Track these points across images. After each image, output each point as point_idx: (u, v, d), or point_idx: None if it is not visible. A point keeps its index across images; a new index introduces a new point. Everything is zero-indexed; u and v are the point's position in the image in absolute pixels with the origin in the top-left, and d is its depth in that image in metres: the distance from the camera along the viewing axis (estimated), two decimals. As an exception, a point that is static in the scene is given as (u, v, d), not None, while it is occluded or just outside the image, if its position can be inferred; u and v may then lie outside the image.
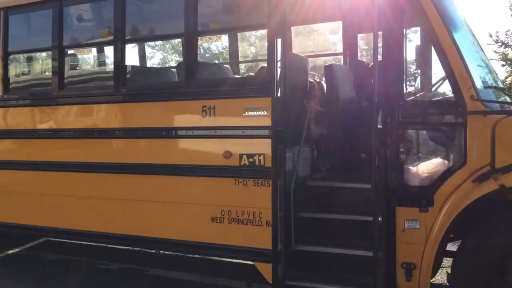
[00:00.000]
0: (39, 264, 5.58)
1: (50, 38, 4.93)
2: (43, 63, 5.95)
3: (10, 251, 6.00)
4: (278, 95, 3.85)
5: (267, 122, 3.81)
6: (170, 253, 5.66)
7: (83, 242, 5.79)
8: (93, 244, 5.81)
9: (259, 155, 3.91)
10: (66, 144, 4.90)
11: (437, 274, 4.36)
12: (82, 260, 5.66)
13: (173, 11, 4.67)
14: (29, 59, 5.97)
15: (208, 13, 4.61)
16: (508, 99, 4.12)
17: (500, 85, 4.44)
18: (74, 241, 5.82)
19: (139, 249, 5.77)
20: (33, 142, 5.09)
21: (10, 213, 5.26)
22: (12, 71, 5.52)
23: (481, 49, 4.40)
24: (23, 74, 5.82)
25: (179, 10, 4.26)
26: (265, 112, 3.84)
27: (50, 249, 6.10)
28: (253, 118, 3.91)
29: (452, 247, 4.09)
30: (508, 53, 19.66)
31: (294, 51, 6.14)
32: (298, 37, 7.59)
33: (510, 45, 19.78)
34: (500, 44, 19.74)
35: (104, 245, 5.77)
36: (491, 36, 19.87)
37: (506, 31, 19.93)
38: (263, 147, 3.87)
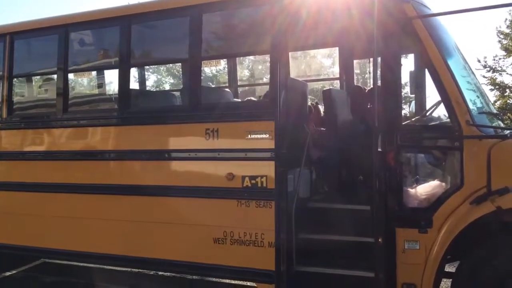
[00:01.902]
0: (37, 286, 5.53)
1: (55, 62, 5.03)
2: (46, 86, 6.03)
3: (7, 273, 5.94)
4: (280, 118, 3.95)
5: (270, 144, 3.92)
6: (169, 274, 5.65)
7: (81, 264, 5.77)
8: (92, 265, 5.79)
9: (262, 177, 3.99)
10: (69, 166, 4.94)
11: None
12: (80, 282, 5.63)
13: (178, 37, 4.80)
14: (33, 82, 6.06)
15: (211, 39, 4.75)
16: (501, 124, 4.27)
17: (492, 109, 4.60)
18: (72, 263, 5.80)
19: (138, 270, 5.76)
20: (35, 163, 5.13)
21: (7, 234, 5.25)
22: (16, 93, 5.59)
23: (473, 73, 4.57)
24: (26, 96, 5.89)
25: (184, 36, 4.40)
26: (268, 135, 3.94)
27: (48, 271, 6.06)
28: (256, 141, 4.01)
29: (449, 268, 4.16)
30: (496, 78, 20.16)
31: (291, 75, 6.29)
32: (295, 62, 7.78)
33: (498, 70, 20.29)
34: (488, 69, 20.26)
35: (103, 266, 5.75)
36: (479, 61, 20.44)
37: (493, 57, 20.51)
38: (265, 169, 3.96)
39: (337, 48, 6.48)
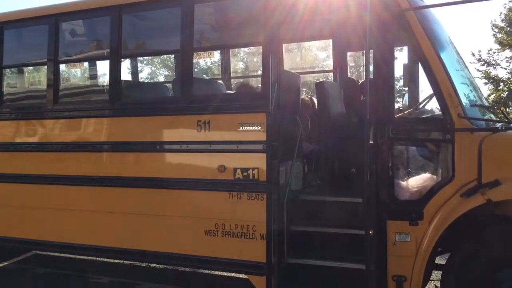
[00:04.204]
0: (29, 278, 5.52)
1: (46, 53, 4.97)
2: (37, 77, 5.98)
3: (-1, 265, 5.94)
4: (272, 110, 3.93)
5: (262, 137, 3.90)
6: (161, 266, 5.65)
7: (73, 256, 5.75)
8: (83, 257, 5.78)
9: (253, 169, 3.98)
10: (59, 157, 4.91)
11: (426, 287, 4.44)
12: (72, 274, 5.62)
13: (170, 28, 4.76)
14: (23, 73, 6.00)
15: (203, 30, 4.71)
16: (493, 117, 4.27)
17: (485, 102, 4.60)
18: (64, 255, 5.79)
19: (130, 262, 5.75)
20: (25, 155, 5.09)
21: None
22: (7, 84, 5.53)
23: (466, 67, 4.57)
24: (17, 87, 5.83)
25: (176, 26, 4.36)
26: (260, 127, 3.93)
27: (39, 263, 6.04)
28: (248, 133, 3.99)
29: (440, 260, 4.18)
30: (491, 72, 20.22)
31: (284, 67, 6.27)
32: (289, 54, 7.75)
33: (492, 64, 20.35)
34: (483, 63, 20.32)
35: (95, 258, 5.75)
36: (473, 55, 20.52)
37: (488, 50, 20.56)
38: (257, 161, 3.94)
39: (330, 40, 6.44)
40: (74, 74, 6.02)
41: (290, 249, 4.05)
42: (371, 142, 3.60)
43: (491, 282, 3.39)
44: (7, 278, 5.50)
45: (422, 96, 4.66)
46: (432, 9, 4.10)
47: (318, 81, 5.72)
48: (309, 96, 6.12)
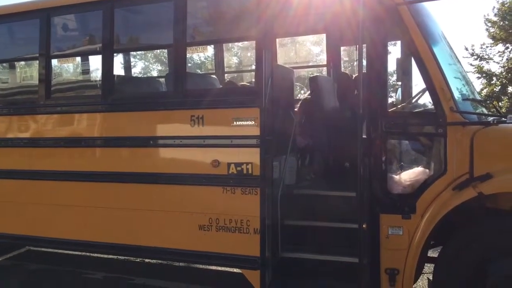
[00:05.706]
0: (22, 274, 5.50)
1: (37, 48, 4.92)
2: (29, 72, 5.93)
3: (-9, 261, 5.91)
4: (266, 105, 3.94)
5: (256, 131, 3.90)
6: (155, 261, 5.66)
7: (67, 251, 5.74)
8: (77, 253, 5.77)
9: (247, 164, 3.98)
10: (52, 153, 4.88)
11: (419, 280, 4.48)
12: (66, 269, 5.61)
13: (163, 22, 4.73)
14: (15, 68, 5.94)
15: (196, 24, 4.69)
16: (485, 111, 4.29)
17: (477, 97, 4.62)
18: (57, 250, 5.78)
19: (123, 257, 5.75)
20: (18, 150, 5.06)
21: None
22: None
23: (459, 61, 4.59)
24: (9, 82, 5.78)
25: (168, 21, 4.33)
26: (253, 122, 3.92)
27: (33, 259, 6.02)
28: (241, 127, 3.99)
29: (432, 253, 4.22)
30: (483, 66, 20.32)
31: (278, 62, 6.26)
32: (282, 48, 7.75)
33: (485, 58, 20.45)
34: (476, 57, 20.42)
35: (89, 254, 5.74)
36: (466, 49, 20.61)
37: (481, 45, 20.64)
38: (251, 156, 3.94)
39: (324, 35, 6.45)
40: (66, 69, 5.98)
41: (284, 243, 4.08)
42: (364, 136, 3.62)
43: (483, 274, 3.42)
44: (0, 274, 5.48)
45: (415, 90, 4.68)
46: (425, 3, 4.10)
47: (311, 75, 5.73)
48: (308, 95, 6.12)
